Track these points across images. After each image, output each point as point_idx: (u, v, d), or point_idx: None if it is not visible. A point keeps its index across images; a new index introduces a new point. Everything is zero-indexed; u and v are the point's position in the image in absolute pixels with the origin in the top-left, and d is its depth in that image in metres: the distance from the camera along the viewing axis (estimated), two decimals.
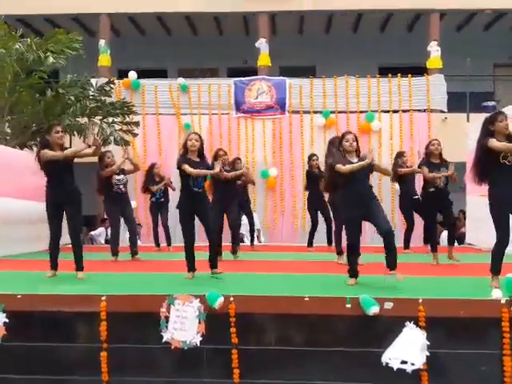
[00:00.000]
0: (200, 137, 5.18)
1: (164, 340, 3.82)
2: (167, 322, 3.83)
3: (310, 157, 8.13)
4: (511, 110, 6.84)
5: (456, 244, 7.71)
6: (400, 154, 7.93)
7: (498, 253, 4.48)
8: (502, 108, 8.59)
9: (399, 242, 7.76)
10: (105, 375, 3.81)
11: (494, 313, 3.79)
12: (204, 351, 3.83)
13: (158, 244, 8.67)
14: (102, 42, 12.22)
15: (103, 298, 3.88)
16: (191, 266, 5.11)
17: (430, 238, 6.67)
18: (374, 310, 3.74)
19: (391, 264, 4.46)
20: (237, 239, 7.05)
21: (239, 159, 7.85)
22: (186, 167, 4.96)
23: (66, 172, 5.09)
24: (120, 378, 3.82)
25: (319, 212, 7.98)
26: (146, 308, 3.87)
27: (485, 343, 3.82)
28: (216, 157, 6.43)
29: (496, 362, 3.77)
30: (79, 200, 5.14)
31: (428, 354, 3.68)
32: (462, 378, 3.81)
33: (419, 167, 6.56)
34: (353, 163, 4.57)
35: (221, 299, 3.79)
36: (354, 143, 4.65)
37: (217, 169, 5.29)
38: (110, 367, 3.81)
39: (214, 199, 6.62)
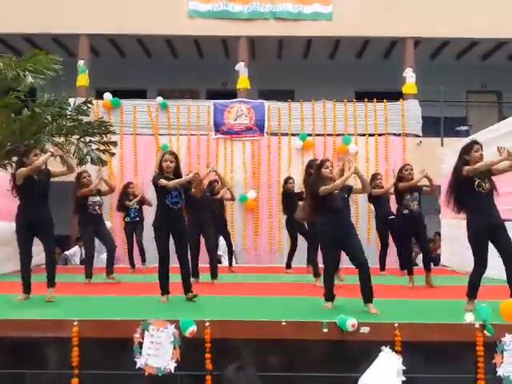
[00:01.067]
0: (176, 157, 5.11)
1: (137, 366, 3.74)
2: (141, 347, 3.75)
3: (287, 180, 8.19)
4: (483, 136, 7.05)
5: (432, 266, 7.79)
6: (374, 177, 8.04)
7: (475, 278, 4.55)
8: (475, 133, 8.85)
9: (375, 262, 7.83)
10: None
11: (468, 337, 3.83)
12: (178, 378, 3.76)
13: (133, 265, 8.55)
14: (80, 63, 12.17)
15: (75, 323, 3.78)
16: (165, 288, 5.03)
17: (406, 261, 6.72)
18: (351, 322, 3.72)
19: (367, 297, 4.44)
20: (214, 262, 6.93)
21: (216, 182, 7.85)
22: (162, 181, 4.92)
23: (40, 196, 5.02)
24: None
25: (299, 234, 7.99)
26: (120, 333, 3.79)
27: (460, 367, 3.84)
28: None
29: None
30: (51, 224, 5.07)
31: (404, 378, 3.67)
32: None
33: (395, 187, 6.66)
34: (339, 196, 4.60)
35: (192, 328, 3.71)
36: (332, 169, 4.72)
37: (191, 174, 5.11)
38: None
39: (190, 221, 6.58)
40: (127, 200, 8.38)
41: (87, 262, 6.89)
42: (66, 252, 10.55)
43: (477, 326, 3.82)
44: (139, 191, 8.76)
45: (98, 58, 13.85)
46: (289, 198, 7.96)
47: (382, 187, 7.82)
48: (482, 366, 3.76)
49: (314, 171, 4.85)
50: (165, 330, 3.76)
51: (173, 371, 3.72)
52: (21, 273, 5.11)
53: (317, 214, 4.74)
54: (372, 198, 7.98)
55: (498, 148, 4.48)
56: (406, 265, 6.69)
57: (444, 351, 3.83)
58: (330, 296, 4.62)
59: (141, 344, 3.75)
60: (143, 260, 8.51)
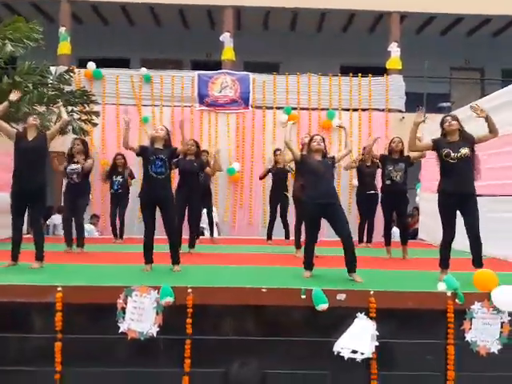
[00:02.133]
0: (166, 128, 5.26)
1: (121, 331, 3.84)
2: (124, 312, 3.85)
3: (274, 151, 8.27)
4: (464, 113, 7.16)
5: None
6: (364, 149, 8.10)
7: (442, 247, 4.76)
8: (457, 109, 8.95)
9: (355, 236, 8.01)
10: (58, 365, 3.79)
11: (440, 305, 4.00)
12: (161, 341, 3.87)
13: (115, 235, 8.57)
14: (62, 30, 11.90)
15: (59, 289, 3.85)
16: (148, 258, 5.10)
17: (385, 232, 6.87)
18: (322, 306, 3.89)
19: (351, 267, 4.60)
20: (194, 232, 6.96)
21: (206, 151, 7.92)
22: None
23: (34, 162, 5.02)
24: (75, 368, 3.81)
25: (279, 207, 8.12)
26: (103, 299, 3.87)
27: (431, 333, 4.02)
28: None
29: (440, 351, 3.98)
30: (44, 192, 5.08)
31: (377, 343, 3.84)
32: (409, 366, 4.01)
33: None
34: (318, 160, 4.78)
35: (168, 299, 3.82)
36: (322, 143, 4.87)
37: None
38: (64, 358, 3.79)
39: (177, 190, 6.62)
40: (115, 172, 8.37)
41: (65, 230, 6.92)
42: (55, 221, 10.41)
43: (448, 294, 4.00)
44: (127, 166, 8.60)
45: (80, 26, 13.55)
46: (275, 171, 8.07)
47: (372, 160, 7.84)
48: (452, 332, 3.95)
49: (306, 146, 5.08)
50: (148, 295, 3.85)
51: (155, 336, 3.84)
52: (11, 240, 5.15)
53: (302, 182, 4.94)
54: (357, 172, 8.15)
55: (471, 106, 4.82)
56: (384, 236, 6.83)
57: (416, 318, 4.00)
58: (308, 265, 4.75)
59: (124, 309, 3.85)
60: (121, 235, 8.46)
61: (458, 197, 4.63)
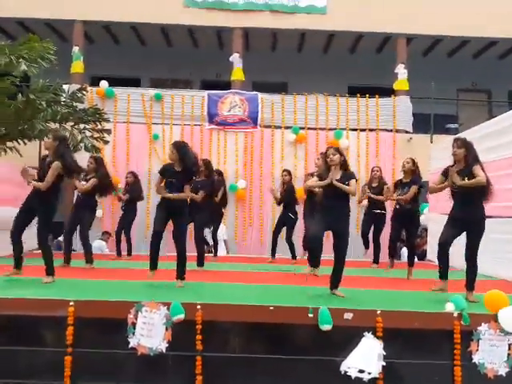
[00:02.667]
0: (175, 146, 5.27)
1: (130, 346, 3.89)
2: (134, 328, 3.90)
3: (282, 172, 8.35)
4: (471, 135, 7.24)
5: (416, 260, 8.05)
6: (371, 170, 8.29)
7: (438, 255, 5.03)
8: (464, 131, 9.03)
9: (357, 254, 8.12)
10: (67, 379, 3.83)
11: (446, 325, 4.02)
12: (169, 357, 3.91)
13: (119, 252, 8.60)
14: (75, 49, 12.18)
15: (71, 303, 3.92)
16: (152, 262, 5.24)
17: (389, 244, 7.02)
18: (325, 327, 3.93)
19: (334, 284, 4.76)
20: (200, 250, 6.92)
21: (218, 172, 8.02)
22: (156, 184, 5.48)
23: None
24: (85, 382, 3.85)
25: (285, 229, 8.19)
26: (114, 314, 3.93)
27: (437, 354, 4.03)
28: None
29: (448, 372, 3.99)
30: (46, 209, 5.16)
31: (384, 363, 3.86)
32: None
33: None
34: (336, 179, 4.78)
35: (180, 316, 3.88)
36: (335, 156, 4.77)
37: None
38: (74, 372, 3.84)
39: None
40: (125, 189, 8.62)
41: (64, 244, 6.99)
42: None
43: (455, 315, 4.02)
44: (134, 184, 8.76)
45: (92, 45, 13.85)
46: (283, 191, 8.14)
47: (378, 179, 7.99)
48: (459, 353, 3.96)
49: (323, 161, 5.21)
50: (157, 311, 3.91)
51: (164, 351, 3.88)
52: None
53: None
54: (363, 193, 8.26)
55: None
56: (391, 255, 6.99)
57: (423, 338, 4.02)
58: (312, 262, 4.79)
59: (134, 325, 3.90)
60: (129, 252, 8.53)
61: (463, 221, 4.77)
